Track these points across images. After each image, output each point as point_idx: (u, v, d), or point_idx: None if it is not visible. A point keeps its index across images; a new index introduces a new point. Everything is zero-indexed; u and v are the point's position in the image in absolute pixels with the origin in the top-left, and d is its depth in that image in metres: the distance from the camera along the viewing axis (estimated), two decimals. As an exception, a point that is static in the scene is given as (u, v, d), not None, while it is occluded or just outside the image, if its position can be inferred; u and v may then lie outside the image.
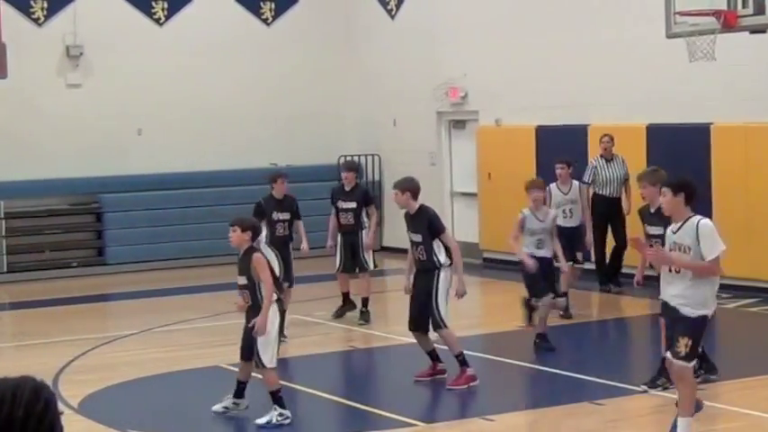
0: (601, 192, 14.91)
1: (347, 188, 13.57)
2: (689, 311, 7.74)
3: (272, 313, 9.00)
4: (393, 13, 20.11)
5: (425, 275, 10.18)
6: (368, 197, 13.78)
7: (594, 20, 16.44)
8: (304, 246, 13.03)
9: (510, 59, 17.77)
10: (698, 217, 7.80)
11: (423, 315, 10.18)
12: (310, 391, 10.24)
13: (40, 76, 18.73)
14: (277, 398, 9.11)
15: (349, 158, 17.44)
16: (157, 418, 9.61)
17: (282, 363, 11.43)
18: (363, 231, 13.46)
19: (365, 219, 13.50)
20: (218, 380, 10.91)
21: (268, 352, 9.00)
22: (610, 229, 15.08)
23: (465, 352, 10.17)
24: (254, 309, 9.02)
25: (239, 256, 9.21)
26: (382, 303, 16.35)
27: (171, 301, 15.90)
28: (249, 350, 9.17)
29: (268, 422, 9.04)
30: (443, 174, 19.46)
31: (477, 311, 15.26)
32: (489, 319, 14.55)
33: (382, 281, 18.31)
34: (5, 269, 18.14)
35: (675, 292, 7.81)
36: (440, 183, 19.39)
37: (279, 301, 9.06)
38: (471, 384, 10.02)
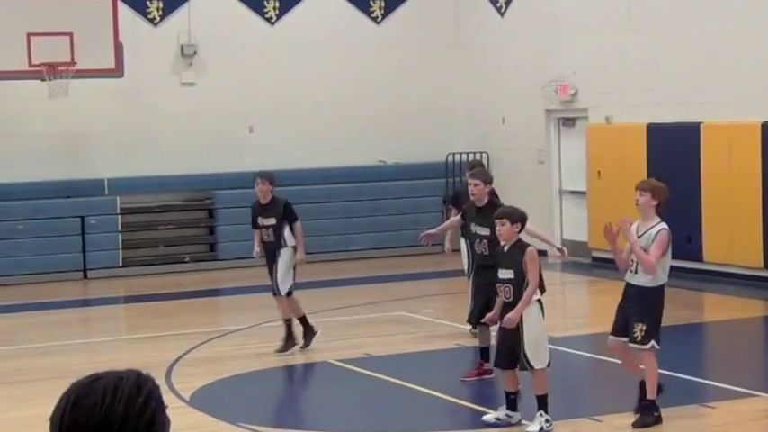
0: None
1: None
2: None
3: (536, 311, 8.62)
4: (502, 10, 20.02)
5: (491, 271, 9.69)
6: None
7: (708, 15, 16.13)
8: (298, 255, 11.78)
9: (620, 56, 17.54)
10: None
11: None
12: (417, 387, 10.26)
13: (156, 75, 19.10)
14: (543, 402, 8.66)
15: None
16: (267, 411, 9.74)
17: (388, 360, 11.50)
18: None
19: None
20: (327, 375, 11.03)
21: (539, 353, 8.63)
22: None
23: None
24: (512, 305, 8.60)
25: (502, 252, 8.75)
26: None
27: (280, 296, 16.05)
28: (509, 357, 8.69)
29: (540, 430, 8.55)
30: (552, 172, 19.31)
31: (586, 310, 15.13)
32: (597, 318, 14.39)
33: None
34: (121, 264, 18.54)
35: None
36: (548, 181, 19.25)
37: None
38: (484, 377, 10.22)
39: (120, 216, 18.63)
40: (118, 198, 18.65)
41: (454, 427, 9.38)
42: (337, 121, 20.15)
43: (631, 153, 17.13)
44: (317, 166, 19.87)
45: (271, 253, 11.80)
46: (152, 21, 19.25)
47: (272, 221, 11.75)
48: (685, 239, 16.24)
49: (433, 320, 13.70)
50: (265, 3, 19.89)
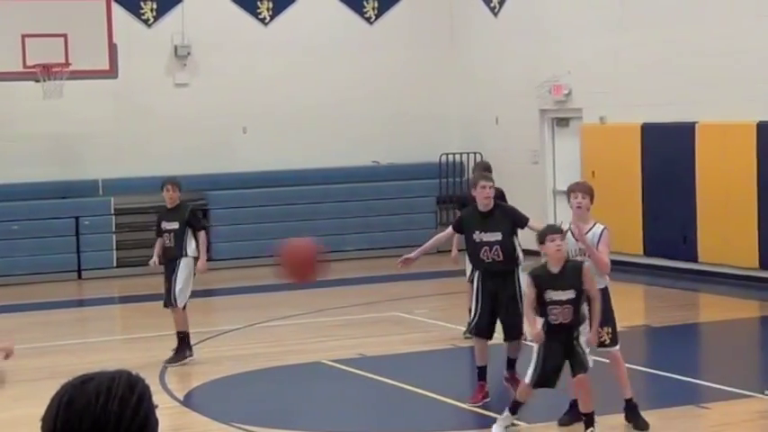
0: None
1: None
2: None
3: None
4: (496, 10, 20.02)
5: (508, 277, 9.46)
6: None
7: (702, 14, 16.14)
8: (200, 264, 11.43)
9: (614, 56, 17.55)
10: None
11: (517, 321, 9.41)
12: (410, 388, 10.25)
13: (149, 75, 19.09)
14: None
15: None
16: (260, 412, 9.73)
17: (382, 360, 11.49)
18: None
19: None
20: (321, 375, 11.02)
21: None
22: None
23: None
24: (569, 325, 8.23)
25: (550, 272, 8.18)
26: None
27: (274, 296, 16.05)
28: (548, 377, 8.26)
29: None
30: (546, 172, 19.31)
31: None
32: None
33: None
34: (115, 264, 18.53)
35: None
36: (542, 181, 19.25)
37: None
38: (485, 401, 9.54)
39: (114, 217, 18.63)
40: (112, 199, 18.65)
41: (448, 427, 9.36)
42: (331, 122, 20.14)
43: (626, 153, 17.14)
44: (310, 167, 19.86)
45: (171, 260, 11.40)
46: (146, 22, 19.23)
47: (175, 226, 11.39)
48: (680, 239, 16.26)
49: (427, 321, 13.69)
50: (259, 3, 19.88)
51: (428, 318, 13.87)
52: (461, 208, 12.09)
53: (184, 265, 11.39)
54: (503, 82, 19.75)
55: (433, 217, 20.34)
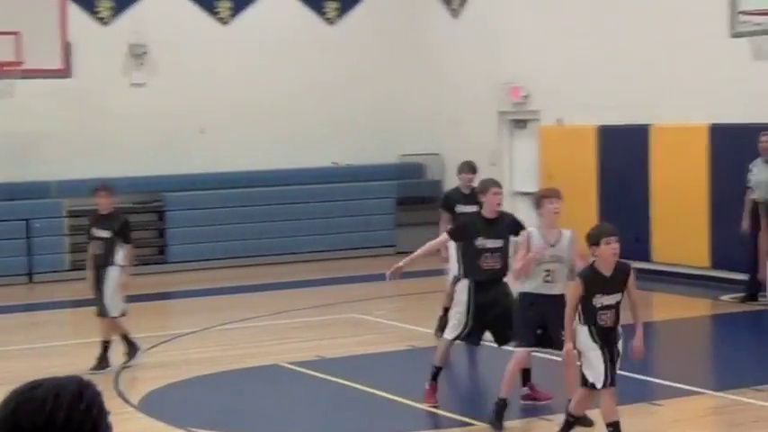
0: (754, 196, 13.85)
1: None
2: None
3: None
4: (456, 12, 20.08)
5: (502, 285, 9.46)
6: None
7: (657, 18, 16.28)
8: (123, 278, 11.30)
9: (572, 59, 17.66)
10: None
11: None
12: (369, 389, 10.25)
13: (105, 75, 18.94)
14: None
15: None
16: (217, 416, 9.69)
17: (340, 362, 11.49)
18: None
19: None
20: (278, 378, 11.00)
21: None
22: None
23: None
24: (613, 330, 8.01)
25: (601, 275, 7.82)
26: (441, 303, 16.34)
27: (231, 299, 16.01)
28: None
29: None
30: (504, 173, 19.37)
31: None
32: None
33: (441, 280, 18.31)
34: (68, 267, 18.35)
35: None
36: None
37: None
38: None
39: (67, 219, 18.42)
40: (65, 201, 18.45)
41: (406, 428, 9.38)
42: (290, 123, 20.10)
43: (582, 155, 17.26)
44: (269, 168, 19.81)
45: (100, 268, 11.29)
46: (101, 20, 19.09)
47: (107, 234, 11.24)
48: (634, 240, 16.38)
49: (385, 322, 13.70)
50: (218, 3, 19.79)
51: (385, 319, 13.88)
52: (447, 209, 12.13)
53: (112, 274, 11.29)
54: (462, 83, 19.81)
55: (391, 218, 20.36)
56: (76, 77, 17.26)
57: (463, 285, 9.49)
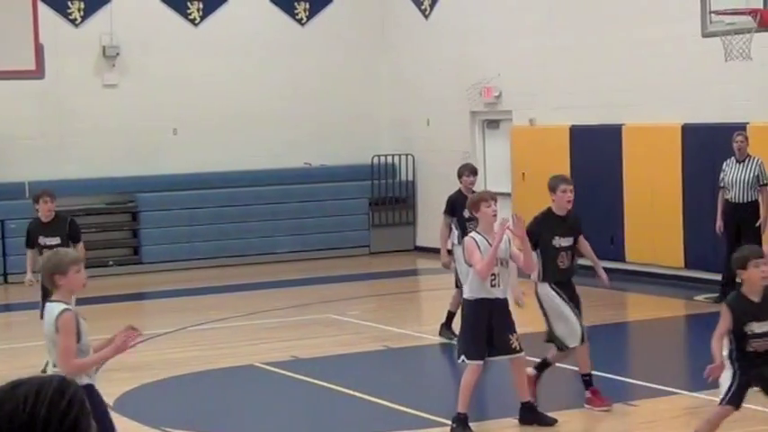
0: (728, 196, 13.83)
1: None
2: None
3: None
4: (427, 12, 20.11)
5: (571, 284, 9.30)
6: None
7: (629, 18, 16.36)
8: None
9: (544, 59, 17.73)
10: None
11: None
12: (343, 390, 10.26)
13: (77, 76, 18.87)
14: None
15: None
16: (192, 416, 9.67)
17: (315, 362, 11.49)
18: None
19: None
20: (253, 378, 10.98)
21: None
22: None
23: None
24: None
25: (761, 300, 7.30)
26: (415, 303, 16.38)
27: (205, 300, 15.98)
28: None
29: None
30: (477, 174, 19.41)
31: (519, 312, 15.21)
32: (523, 319, 14.50)
33: (415, 280, 18.35)
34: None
35: None
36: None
37: None
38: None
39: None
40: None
41: (381, 429, 9.39)
42: (263, 123, 20.08)
43: (555, 155, 17.31)
44: (242, 169, 19.79)
45: None
46: (73, 21, 19.02)
47: (58, 241, 10.92)
48: (608, 240, 16.46)
49: (360, 322, 13.71)
50: (189, 4, 19.75)
51: (360, 319, 13.88)
52: (451, 212, 12.04)
53: None
54: (434, 84, 19.84)
55: (365, 218, 20.38)
56: (49, 79, 17.17)
57: (547, 286, 9.24)
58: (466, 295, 8.79)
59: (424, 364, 12.17)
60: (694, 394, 9.59)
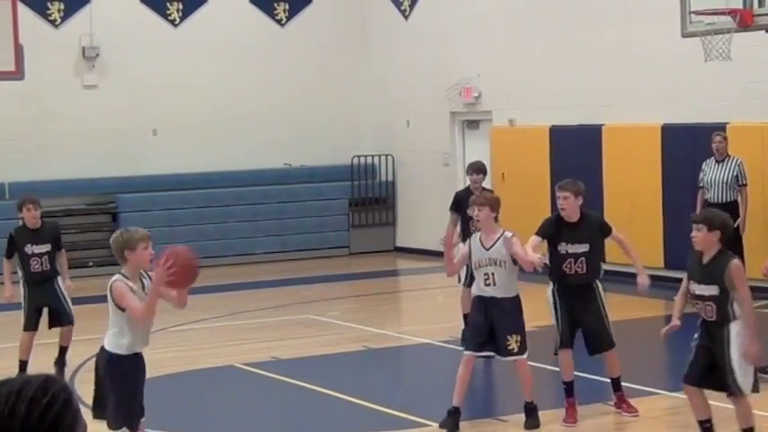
0: (707, 196, 13.80)
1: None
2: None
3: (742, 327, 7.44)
4: (407, 13, 20.13)
5: (589, 292, 9.18)
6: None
7: (609, 19, 16.42)
8: (68, 282, 11.12)
9: (524, 59, 17.77)
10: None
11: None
12: (324, 390, 10.26)
13: (57, 77, 18.82)
14: None
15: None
16: (172, 417, 9.65)
17: (295, 363, 11.48)
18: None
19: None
20: (233, 379, 10.97)
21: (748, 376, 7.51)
22: None
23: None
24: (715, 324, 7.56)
25: (706, 262, 7.54)
26: (395, 303, 16.39)
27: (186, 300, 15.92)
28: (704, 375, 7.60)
29: None
30: (457, 174, 19.45)
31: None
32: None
33: (396, 281, 18.35)
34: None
35: None
36: (453, 183, 19.36)
37: None
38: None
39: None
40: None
41: (361, 429, 9.39)
42: (243, 124, 20.06)
43: (535, 155, 17.36)
44: (222, 169, 19.77)
45: (45, 281, 10.91)
46: (53, 22, 18.95)
47: (47, 248, 10.87)
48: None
49: (340, 323, 13.71)
50: (168, 5, 19.71)
51: (340, 320, 13.88)
52: (456, 210, 11.93)
53: (62, 284, 11.08)
54: (414, 84, 19.86)
55: (345, 219, 20.39)
56: (29, 79, 17.12)
57: (552, 289, 9.23)
58: (514, 293, 8.83)
59: (404, 365, 12.17)
60: (674, 394, 9.63)
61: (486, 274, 8.67)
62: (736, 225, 13.74)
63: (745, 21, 12.04)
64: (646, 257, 15.87)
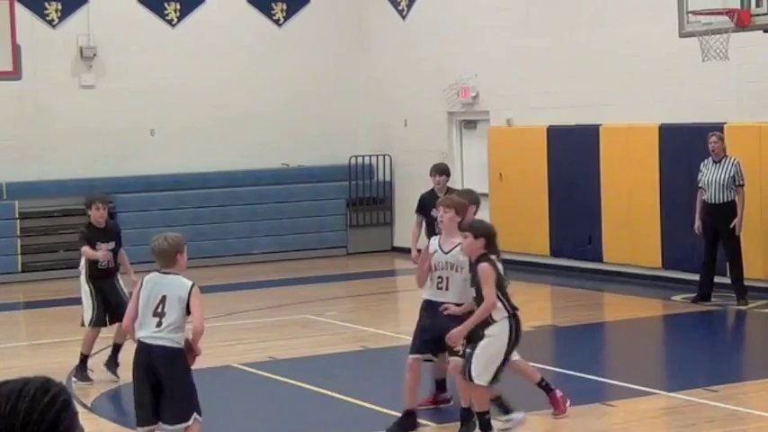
0: (705, 197, 13.85)
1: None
2: None
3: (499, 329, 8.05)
4: (404, 13, 20.13)
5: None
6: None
7: (607, 18, 16.42)
8: (134, 277, 10.94)
9: (521, 59, 17.77)
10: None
11: None
12: (321, 390, 10.26)
13: (54, 77, 18.81)
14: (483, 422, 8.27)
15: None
16: (170, 417, 9.63)
17: (293, 363, 11.48)
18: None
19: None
20: (231, 379, 10.97)
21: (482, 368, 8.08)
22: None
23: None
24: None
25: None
26: (393, 303, 16.39)
27: (183, 301, 15.92)
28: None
29: None
30: (454, 174, 19.37)
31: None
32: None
33: (393, 281, 18.36)
34: (20, 269, 18.21)
35: None
36: (451, 183, 19.34)
37: None
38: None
39: (18, 221, 18.29)
40: (16, 203, 18.32)
41: (359, 429, 9.39)
42: (240, 124, 20.06)
43: (532, 155, 17.36)
44: (220, 169, 19.76)
45: (108, 277, 11.05)
46: (50, 22, 18.94)
47: (113, 245, 11.11)
48: (585, 240, 16.52)
49: (337, 323, 13.71)
50: (166, 5, 19.71)
51: (338, 320, 13.88)
52: (421, 211, 11.82)
53: (121, 280, 11.17)
54: (411, 84, 19.86)
55: (342, 219, 20.39)
56: (26, 80, 17.14)
57: None
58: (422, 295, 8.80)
59: (401, 365, 12.09)
60: (672, 394, 9.64)
61: (440, 277, 8.55)
62: (732, 225, 13.76)
63: (742, 21, 12.06)
64: (644, 257, 15.91)
